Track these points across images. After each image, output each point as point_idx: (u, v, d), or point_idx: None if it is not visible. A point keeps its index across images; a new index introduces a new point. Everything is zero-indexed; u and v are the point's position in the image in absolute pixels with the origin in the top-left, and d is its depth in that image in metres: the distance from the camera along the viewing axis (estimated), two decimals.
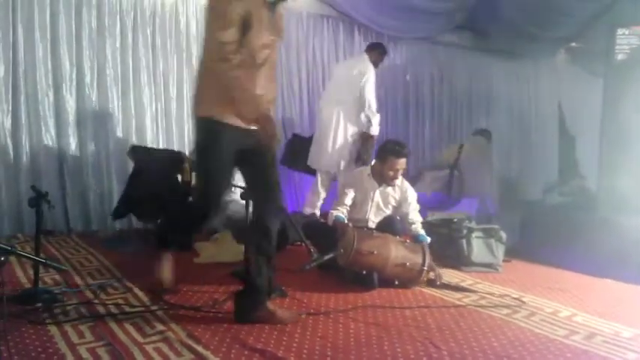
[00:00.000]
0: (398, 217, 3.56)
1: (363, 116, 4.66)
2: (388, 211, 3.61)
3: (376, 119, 4.68)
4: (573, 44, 7.55)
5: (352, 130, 4.71)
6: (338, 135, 4.68)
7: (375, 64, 4.85)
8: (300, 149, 5.02)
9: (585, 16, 6.21)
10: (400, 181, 3.61)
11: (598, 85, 5.27)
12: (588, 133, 6.07)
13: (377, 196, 3.60)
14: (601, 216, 4.30)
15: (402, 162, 3.48)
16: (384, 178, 3.55)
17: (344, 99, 4.68)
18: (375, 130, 4.70)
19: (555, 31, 6.54)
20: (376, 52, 4.94)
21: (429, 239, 3.37)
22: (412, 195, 3.62)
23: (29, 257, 1.62)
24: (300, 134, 5.34)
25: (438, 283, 3.17)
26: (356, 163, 4.69)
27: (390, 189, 3.59)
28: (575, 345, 2.32)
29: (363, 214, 3.61)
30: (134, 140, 4.60)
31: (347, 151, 4.72)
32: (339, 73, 4.97)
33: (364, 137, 4.70)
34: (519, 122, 7.57)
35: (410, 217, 3.53)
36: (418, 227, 3.48)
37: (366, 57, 4.89)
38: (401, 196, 3.60)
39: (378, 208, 3.61)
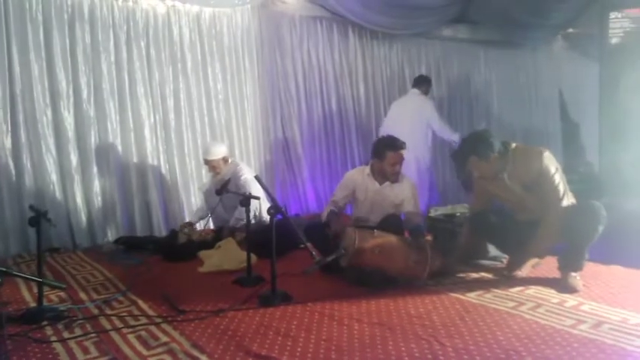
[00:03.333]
0: (399, 214, 3.55)
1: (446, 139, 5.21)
2: (390, 210, 3.59)
3: (457, 137, 5.04)
4: (570, 30, 7.49)
5: (424, 161, 5.22)
6: (411, 167, 4.88)
7: (426, 94, 5.33)
8: None
9: (579, 2, 6.16)
10: (401, 177, 3.60)
11: (597, 69, 5.21)
12: (591, 118, 6.01)
13: (377, 195, 3.58)
14: (606, 201, 4.23)
15: (400, 154, 3.48)
16: (385, 175, 3.54)
17: (409, 135, 4.61)
18: None
19: (551, 18, 6.49)
20: (424, 84, 5.39)
21: (424, 231, 3.41)
22: (413, 191, 3.60)
23: (24, 277, 1.63)
24: None
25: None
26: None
27: (390, 186, 3.57)
28: (582, 334, 2.29)
29: (364, 213, 3.60)
30: (134, 153, 4.62)
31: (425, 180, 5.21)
32: (397, 113, 5.26)
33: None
34: (520, 112, 7.52)
35: (409, 213, 3.52)
36: (413, 221, 3.49)
37: (416, 91, 5.32)
38: (402, 193, 3.58)
39: (379, 206, 3.58)
